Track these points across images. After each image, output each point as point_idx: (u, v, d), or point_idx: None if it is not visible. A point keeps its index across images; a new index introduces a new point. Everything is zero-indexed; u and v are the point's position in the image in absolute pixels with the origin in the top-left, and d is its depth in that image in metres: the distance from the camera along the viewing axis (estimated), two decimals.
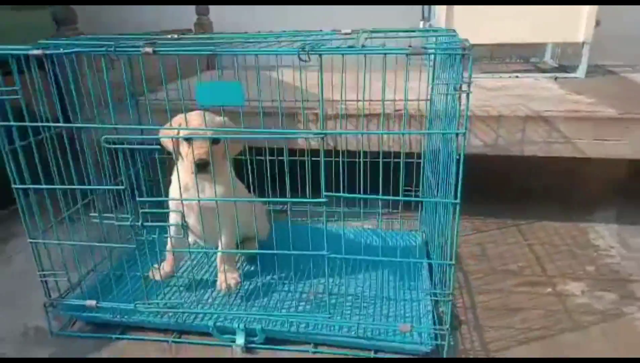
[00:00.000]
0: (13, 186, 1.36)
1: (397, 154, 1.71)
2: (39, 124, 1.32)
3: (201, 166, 1.35)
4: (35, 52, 1.21)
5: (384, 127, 1.81)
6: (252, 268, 1.73)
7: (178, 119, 1.37)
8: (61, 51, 1.20)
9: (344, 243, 1.34)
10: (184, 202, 1.39)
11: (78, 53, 1.22)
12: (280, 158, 1.81)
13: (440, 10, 2.30)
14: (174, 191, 1.49)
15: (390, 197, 1.48)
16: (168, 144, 1.43)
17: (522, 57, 2.96)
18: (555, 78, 2.43)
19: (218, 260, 1.57)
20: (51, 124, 1.34)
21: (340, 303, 1.53)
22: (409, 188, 1.85)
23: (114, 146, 1.26)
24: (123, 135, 1.29)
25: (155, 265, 1.57)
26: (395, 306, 1.52)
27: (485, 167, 2.96)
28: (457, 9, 2.26)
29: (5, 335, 1.50)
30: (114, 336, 1.48)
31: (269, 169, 1.79)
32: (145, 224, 1.33)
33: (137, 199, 1.32)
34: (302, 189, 1.69)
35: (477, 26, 2.24)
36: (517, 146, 1.81)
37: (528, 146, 1.81)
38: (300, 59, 1.11)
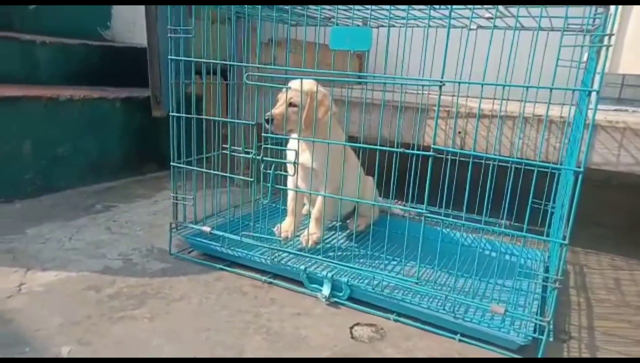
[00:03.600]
0: (170, 113, 1.61)
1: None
2: (210, 61, 1.55)
3: (267, 121, 1.49)
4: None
5: (520, 132, 1.71)
6: (353, 244, 1.74)
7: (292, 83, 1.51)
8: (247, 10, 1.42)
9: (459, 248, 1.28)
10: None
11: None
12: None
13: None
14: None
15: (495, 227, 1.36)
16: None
17: None
18: None
19: (311, 217, 1.64)
20: (219, 61, 1.55)
21: (433, 277, 1.45)
22: (539, 201, 1.70)
23: (253, 83, 1.42)
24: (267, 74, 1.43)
25: (280, 224, 1.68)
26: (493, 290, 1.39)
27: None
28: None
29: (137, 248, 1.74)
30: (218, 266, 1.61)
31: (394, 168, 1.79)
32: (265, 158, 1.45)
33: (262, 134, 1.44)
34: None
35: None
36: None
37: None
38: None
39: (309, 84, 1.51)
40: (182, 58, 1.55)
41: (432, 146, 1.19)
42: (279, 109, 1.52)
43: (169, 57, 1.54)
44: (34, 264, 1.55)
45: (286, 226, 1.65)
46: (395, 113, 1.85)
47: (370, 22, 1.72)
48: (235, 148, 1.54)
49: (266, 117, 1.50)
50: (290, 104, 1.52)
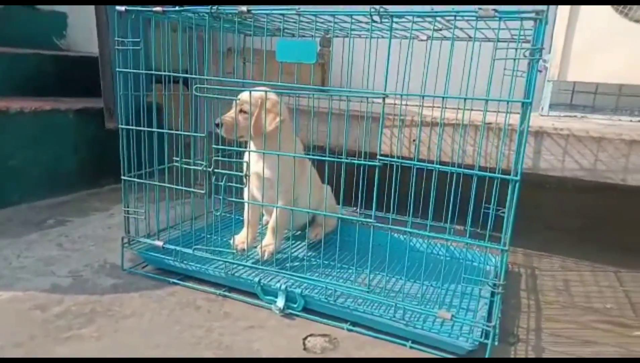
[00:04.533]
0: (119, 126, 1.58)
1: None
2: (161, 73, 1.54)
3: (217, 125, 1.52)
4: (158, 8, 1.44)
5: (462, 138, 1.75)
6: (310, 253, 1.75)
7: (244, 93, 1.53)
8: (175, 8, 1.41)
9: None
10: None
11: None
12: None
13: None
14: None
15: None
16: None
17: None
18: None
19: (267, 227, 1.65)
20: (169, 73, 1.54)
21: (383, 285, 1.47)
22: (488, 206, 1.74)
23: (201, 95, 1.41)
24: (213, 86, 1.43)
25: (236, 236, 1.66)
26: (443, 296, 1.42)
27: (595, 204, 2.69)
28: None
29: (89, 263, 1.69)
30: (171, 280, 1.59)
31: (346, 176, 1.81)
32: (216, 170, 1.44)
33: (213, 145, 1.44)
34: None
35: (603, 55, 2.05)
36: (620, 173, 1.63)
37: (633, 175, 1.61)
38: (373, 20, 1.16)
39: (259, 92, 1.51)
40: (131, 70, 1.53)
41: (378, 156, 1.21)
42: (229, 115, 1.53)
43: (117, 69, 1.52)
44: None
45: (242, 237, 1.64)
46: (354, 122, 1.87)
47: (328, 32, 1.74)
48: (187, 160, 1.52)
49: (216, 122, 1.50)
50: (241, 111, 1.52)
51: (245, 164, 1.51)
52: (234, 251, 1.58)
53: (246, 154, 1.60)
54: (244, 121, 1.51)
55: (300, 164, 1.61)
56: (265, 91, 1.45)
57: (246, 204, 1.65)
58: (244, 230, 1.66)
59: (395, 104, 1.90)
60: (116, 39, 1.48)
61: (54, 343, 1.22)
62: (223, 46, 1.63)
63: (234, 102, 1.53)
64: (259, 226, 1.78)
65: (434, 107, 1.86)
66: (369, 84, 1.75)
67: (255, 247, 1.63)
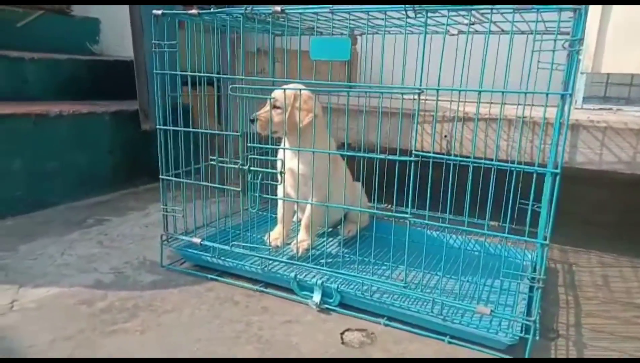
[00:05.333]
0: (157, 127, 1.62)
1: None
2: (196, 74, 1.58)
3: (252, 121, 1.55)
4: (193, 10, 1.47)
5: (500, 132, 1.73)
6: (344, 249, 1.76)
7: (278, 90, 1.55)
8: (212, 10, 1.45)
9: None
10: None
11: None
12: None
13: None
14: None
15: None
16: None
17: None
18: None
19: (301, 224, 1.67)
20: (204, 74, 1.58)
21: (421, 280, 1.47)
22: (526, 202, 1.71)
23: (237, 94, 1.44)
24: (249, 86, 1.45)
25: (270, 232, 1.69)
26: (482, 291, 1.41)
27: (633, 197, 2.63)
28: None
29: (129, 261, 1.75)
30: (209, 276, 1.62)
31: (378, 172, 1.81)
32: (252, 168, 1.47)
33: (248, 144, 1.46)
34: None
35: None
36: None
37: None
38: (407, 15, 1.17)
39: (293, 89, 1.53)
40: (167, 72, 1.57)
41: (414, 152, 1.21)
42: (263, 111, 1.56)
43: (154, 71, 1.56)
44: (26, 281, 1.55)
45: (276, 234, 1.67)
46: (383, 119, 1.87)
47: (352, 30, 1.75)
48: (223, 158, 1.55)
49: (251, 118, 1.53)
50: (275, 106, 1.55)
51: (279, 162, 1.54)
52: (269, 247, 1.61)
53: (280, 151, 1.62)
54: (278, 117, 1.54)
55: (334, 161, 1.62)
56: (300, 89, 1.47)
57: (279, 201, 1.67)
58: (278, 226, 1.69)
59: (425, 100, 1.89)
60: (153, 42, 1.52)
61: (101, 337, 1.27)
62: (255, 45, 1.66)
63: (268, 100, 1.55)
64: (292, 224, 1.80)
65: (465, 102, 1.85)
66: (397, 80, 1.75)
67: (289, 244, 1.66)
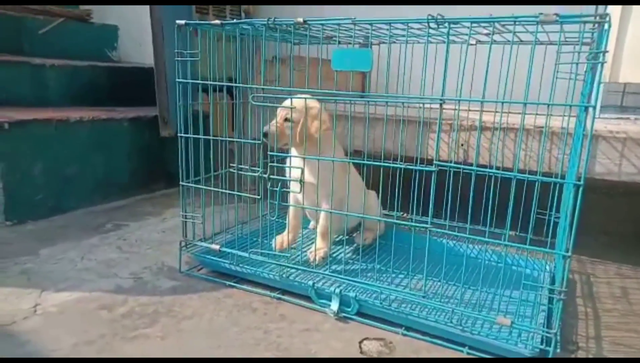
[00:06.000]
0: (179, 134, 1.64)
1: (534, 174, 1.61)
2: (217, 83, 1.60)
3: (264, 135, 1.55)
4: (216, 21, 1.49)
5: (521, 143, 1.73)
6: (361, 257, 1.77)
7: (288, 101, 1.57)
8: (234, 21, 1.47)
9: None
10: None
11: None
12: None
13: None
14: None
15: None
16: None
17: None
18: None
19: (317, 232, 1.68)
20: (225, 83, 1.60)
21: (439, 290, 1.47)
22: (544, 212, 1.71)
23: (258, 103, 1.45)
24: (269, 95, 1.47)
25: (277, 236, 1.71)
26: (500, 301, 1.41)
27: None
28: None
29: (148, 266, 1.77)
30: (227, 282, 1.63)
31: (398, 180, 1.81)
32: (272, 176, 1.48)
33: (269, 152, 1.48)
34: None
35: None
36: None
37: None
38: (430, 27, 1.18)
39: (302, 100, 1.55)
40: (190, 81, 1.59)
41: (435, 161, 1.22)
42: (273, 124, 1.58)
43: (177, 80, 1.58)
44: (48, 285, 1.58)
45: (280, 237, 1.70)
46: (400, 127, 1.88)
47: (371, 39, 1.76)
48: (242, 166, 1.57)
49: (264, 132, 1.55)
50: (286, 120, 1.57)
51: (289, 170, 1.55)
52: (287, 254, 1.62)
53: (294, 159, 1.63)
54: (288, 130, 1.56)
55: (341, 168, 1.63)
56: (305, 98, 1.49)
57: (290, 210, 1.68)
58: (285, 232, 1.71)
59: (443, 109, 1.90)
60: (176, 50, 1.55)
61: (122, 342, 1.29)
62: (278, 54, 1.68)
63: (278, 111, 1.57)
64: (300, 230, 1.80)
65: (482, 111, 1.84)
66: (414, 89, 1.76)
67: (294, 248, 1.68)
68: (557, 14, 1.05)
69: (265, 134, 1.56)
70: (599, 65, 1.02)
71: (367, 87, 2.33)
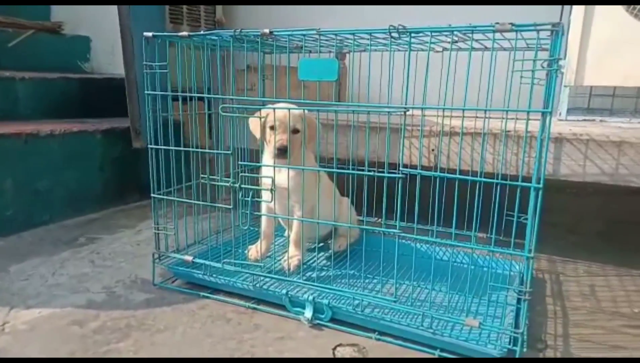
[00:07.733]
0: (149, 146, 1.64)
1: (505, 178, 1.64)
2: (187, 94, 1.60)
3: (281, 152, 1.52)
4: (183, 33, 1.50)
5: (485, 147, 1.77)
6: (334, 264, 1.78)
7: (266, 110, 1.55)
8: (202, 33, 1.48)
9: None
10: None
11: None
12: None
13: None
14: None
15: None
16: (256, 130, 1.61)
17: None
18: None
19: (290, 240, 1.70)
20: (195, 94, 1.60)
21: (411, 294, 1.49)
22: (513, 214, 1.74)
23: (227, 114, 1.46)
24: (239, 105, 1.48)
25: (251, 246, 1.71)
26: (470, 303, 1.44)
27: (618, 207, 2.67)
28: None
29: (121, 279, 1.75)
30: (202, 294, 1.63)
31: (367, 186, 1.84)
32: (243, 186, 1.49)
33: (239, 162, 1.48)
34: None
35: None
36: None
37: None
38: (392, 37, 1.20)
39: (299, 111, 1.56)
40: (159, 93, 1.59)
41: (400, 168, 1.24)
42: (285, 136, 1.54)
43: (146, 92, 1.58)
44: (18, 302, 1.55)
45: (254, 247, 1.71)
46: (372, 134, 1.91)
47: (342, 49, 1.79)
48: (214, 176, 1.57)
49: (283, 148, 1.52)
50: (294, 131, 1.57)
51: (267, 179, 1.56)
52: (261, 264, 1.62)
53: (264, 169, 1.63)
54: (297, 141, 1.59)
55: (313, 175, 1.65)
56: (289, 108, 1.50)
57: (263, 218, 1.69)
58: (259, 241, 1.71)
59: (413, 115, 1.93)
60: (144, 63, 1.54)
61: (93, 358, 1.27)
62: (245, 63, 1.69)
63: (276, 122, 1.56)
64: (273, 238, 1.81)
65: (451, 116, 1.88)
66: (384, 95, 1.79)
67: (269, 256, 1.68)
68: (512, 23, 1.09)
69: (284, 150, 1.52)
70: (554, 72, 1.06)
71: (348, 96, 2.35)
